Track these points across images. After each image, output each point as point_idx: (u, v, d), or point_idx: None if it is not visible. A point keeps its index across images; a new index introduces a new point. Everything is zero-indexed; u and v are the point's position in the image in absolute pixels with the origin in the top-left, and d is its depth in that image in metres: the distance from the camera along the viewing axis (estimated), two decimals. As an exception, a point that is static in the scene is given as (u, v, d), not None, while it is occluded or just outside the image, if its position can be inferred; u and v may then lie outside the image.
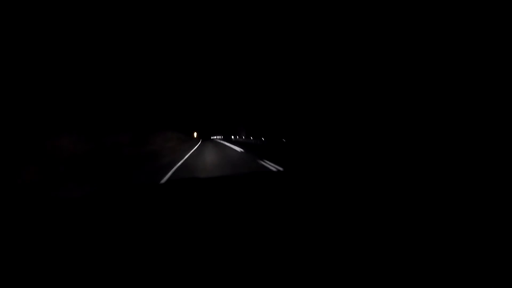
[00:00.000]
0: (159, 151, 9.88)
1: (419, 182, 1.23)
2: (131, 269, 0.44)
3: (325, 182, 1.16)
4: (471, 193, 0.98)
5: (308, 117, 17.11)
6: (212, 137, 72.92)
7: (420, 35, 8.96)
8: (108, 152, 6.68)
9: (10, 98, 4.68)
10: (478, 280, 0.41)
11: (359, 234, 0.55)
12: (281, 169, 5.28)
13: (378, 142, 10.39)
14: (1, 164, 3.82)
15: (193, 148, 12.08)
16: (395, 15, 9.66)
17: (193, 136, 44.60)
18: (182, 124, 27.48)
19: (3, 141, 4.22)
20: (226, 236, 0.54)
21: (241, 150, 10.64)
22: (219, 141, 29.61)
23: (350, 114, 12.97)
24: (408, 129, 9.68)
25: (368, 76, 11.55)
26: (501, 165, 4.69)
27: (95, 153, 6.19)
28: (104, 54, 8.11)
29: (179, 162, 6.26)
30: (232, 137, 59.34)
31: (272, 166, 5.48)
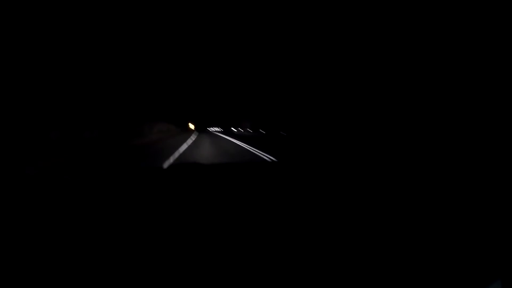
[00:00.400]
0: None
1: (418, 180, 1.16)
2: (129, 249, 0.45)
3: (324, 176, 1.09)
4: (470, 192, 0.97)
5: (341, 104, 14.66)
6: (208, 129, 65.20)
7: (420, 35, 9.31)
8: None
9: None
10: (478, 280, 0.41)
11: (355, 231, 0.52)
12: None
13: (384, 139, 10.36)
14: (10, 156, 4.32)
15: (173, 153, 6.80)
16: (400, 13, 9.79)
17: (189, 127, 36.58)
18: (176, 114, 23.00)
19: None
20: (224, 227, 0.52)
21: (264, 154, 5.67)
22: (219, 134, 24.20)
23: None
24: (409, 126, 9.63)
25: (379, 70, 11.44)
26: (501, 165, 4.78)
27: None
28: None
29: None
30: (233, 129, 53.21)
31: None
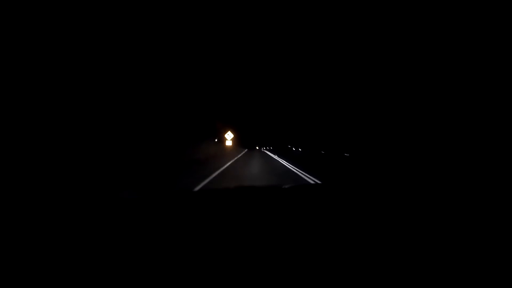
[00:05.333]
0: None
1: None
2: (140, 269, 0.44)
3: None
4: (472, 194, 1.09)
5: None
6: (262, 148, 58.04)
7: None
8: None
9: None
10: (479, 281, 0.42)
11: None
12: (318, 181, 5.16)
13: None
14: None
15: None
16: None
17: (225, 145, 20.06)
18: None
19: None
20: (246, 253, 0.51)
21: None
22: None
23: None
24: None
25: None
26: (501, 166, 5.51)
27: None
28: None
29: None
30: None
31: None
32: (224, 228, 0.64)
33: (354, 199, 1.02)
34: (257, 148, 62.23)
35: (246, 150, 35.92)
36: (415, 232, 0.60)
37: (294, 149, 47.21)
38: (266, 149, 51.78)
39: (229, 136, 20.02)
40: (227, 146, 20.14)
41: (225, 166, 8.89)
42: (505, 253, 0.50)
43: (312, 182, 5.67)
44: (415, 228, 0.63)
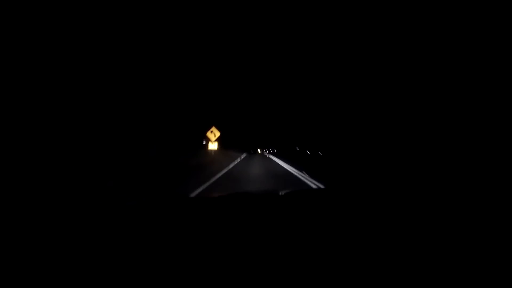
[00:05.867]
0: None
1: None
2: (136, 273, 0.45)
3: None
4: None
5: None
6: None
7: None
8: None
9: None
10: (479, 281, 0.42)
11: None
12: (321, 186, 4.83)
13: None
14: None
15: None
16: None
17: (208, 149, 13.83)
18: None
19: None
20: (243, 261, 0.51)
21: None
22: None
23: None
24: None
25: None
26: (501, 166, 5.08)
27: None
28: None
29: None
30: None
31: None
32: (221, 234, 0.63)
33: (356, 205, 1.00)
34: (259, 151, 51.34)
35: (245, 154, 26.98)
36: (417, 241, 0.59)
37: (308, 152, 35.97)
38: (271, 153, 42.14)
39: (213, 135, 13.38)
40: (211, 150, 13.81)
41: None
42: (505, 253, 0.50)
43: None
44: (418, 237, 0.61)
